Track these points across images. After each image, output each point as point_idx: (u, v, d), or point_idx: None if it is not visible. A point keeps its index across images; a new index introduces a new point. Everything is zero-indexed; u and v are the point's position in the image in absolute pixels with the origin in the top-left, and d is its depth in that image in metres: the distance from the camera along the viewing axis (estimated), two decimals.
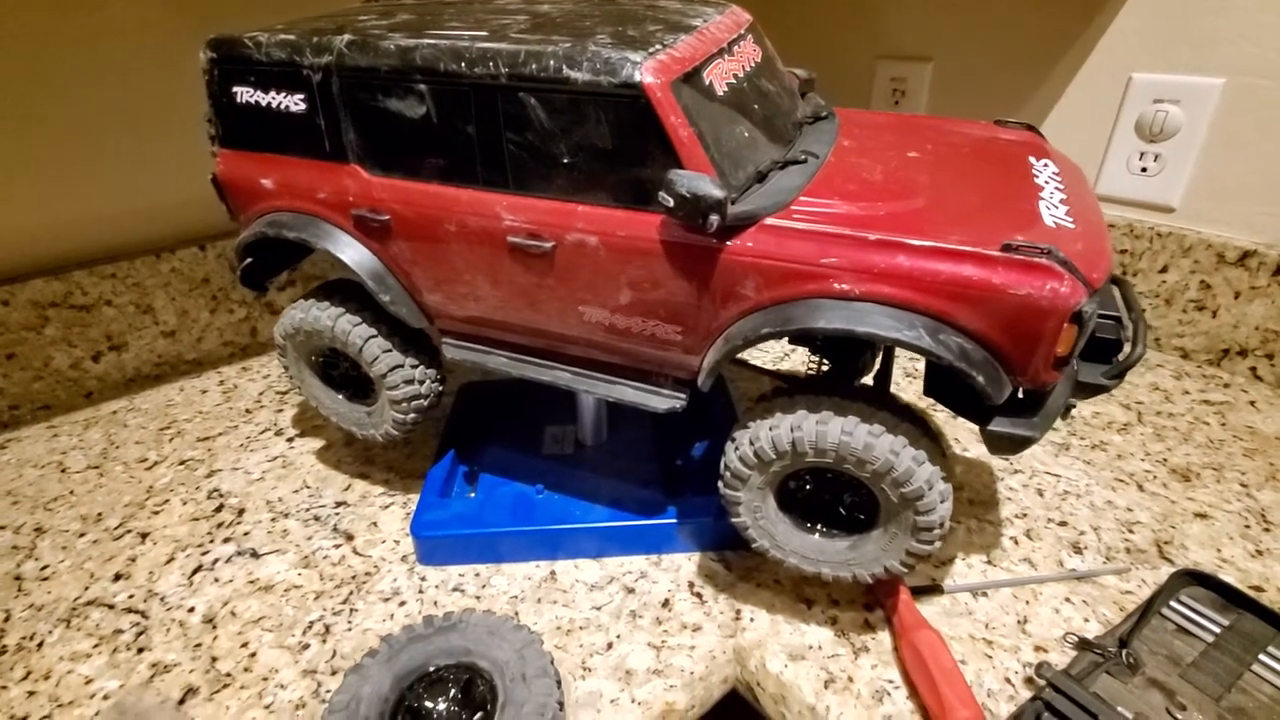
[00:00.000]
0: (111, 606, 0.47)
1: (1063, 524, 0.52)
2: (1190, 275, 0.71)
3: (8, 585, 0.49)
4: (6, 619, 0.46)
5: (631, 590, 0.46)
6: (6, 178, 0.61)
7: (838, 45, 0.93)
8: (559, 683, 0.37)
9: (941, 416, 0.63)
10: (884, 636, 0.43)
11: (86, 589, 0.48)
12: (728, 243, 0.33)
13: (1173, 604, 0.43)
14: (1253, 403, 0.65)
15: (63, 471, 0.60)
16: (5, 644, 0.44)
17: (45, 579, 0.49)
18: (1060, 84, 0.76)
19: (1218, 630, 0.41)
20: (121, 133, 0.65)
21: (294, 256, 0.51)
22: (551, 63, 0.32)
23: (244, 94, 0.40)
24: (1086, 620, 0.44)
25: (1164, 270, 0.72)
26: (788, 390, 0.37)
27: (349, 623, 0.44)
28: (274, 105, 0.40)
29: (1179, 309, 0.72)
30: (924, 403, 0.63)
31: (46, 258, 0.66)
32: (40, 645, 0.44)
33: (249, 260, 0.46)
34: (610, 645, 0.43)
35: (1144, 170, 0.72)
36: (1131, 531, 0.51)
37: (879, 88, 0.91)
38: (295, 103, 0.39)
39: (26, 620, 0.46)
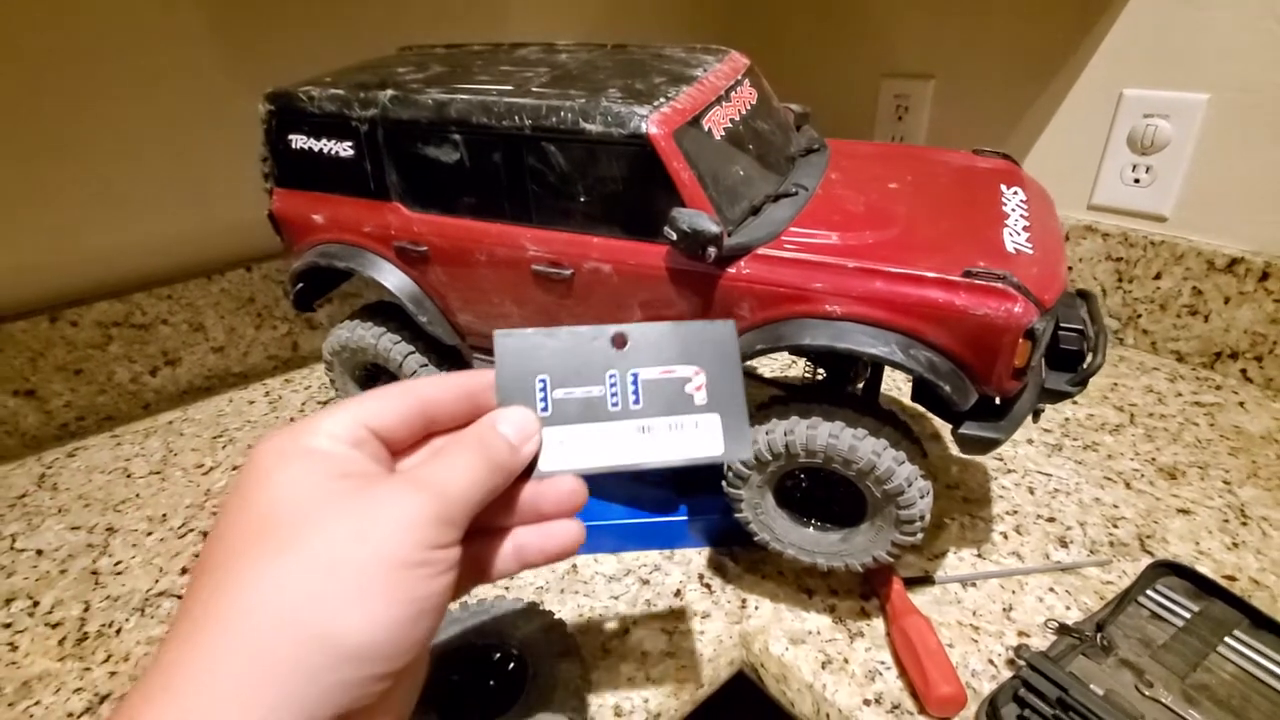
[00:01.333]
0: (180, 597, 0.52)
1: (1051, 520, 0.55)
2: (1183, 282, 0.73)
3: (86, 579, 0.54)
4: (87, 609, 0.51)
5: (646, 581, 0.51)
6: (74, 208, 0.67)
7: (843, 64, 0.97)
8: (582, 661, 0.41)
9: (940, 421, 0.67)
10: (878, 623, 0.47)
11: (156, 581, 0.53)
12: (725, 270, 0.37)
13: (1149, 592, 0.47)
14: (1241, 404, 0.68)
15: (128, 476, 0.65)
16: (86, 631, 0.50)
17: (119, 573, 0.55)
18: (1056, 99, 0.80)
19: (1188, 616, 0.45)
20: (175, 164, 0.71)
21: (337, 281, 0.56)
22: (569, 116, 0.37)
23: (298, 140, 0.46)
24: (1068, 608, 0.47)
25: (1158, 277, 0.75)
26: (783, 399, 0.41)
27: None
28: (325, 151, 0.45)
29: (1173, 314, 0.75)
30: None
31: (110, 281, 0.72)
32: (119, 631, 0.50)
33: (300, 286, 0.51)
34: (627, 630, 0.47)
35: (1137, 181, 0.75)
36: (1116, 526, 0.54)
37: (883, 105, 0.94)
38: (344, 149, 0.44)
39: (105, 610, 0.51)
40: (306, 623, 0.19)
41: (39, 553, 0.57)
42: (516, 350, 0.26)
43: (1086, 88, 0.77)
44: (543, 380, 0.26)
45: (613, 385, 0.26)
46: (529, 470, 0.26)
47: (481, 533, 0.25)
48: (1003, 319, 0.33)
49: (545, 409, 0.26)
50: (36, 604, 0.52)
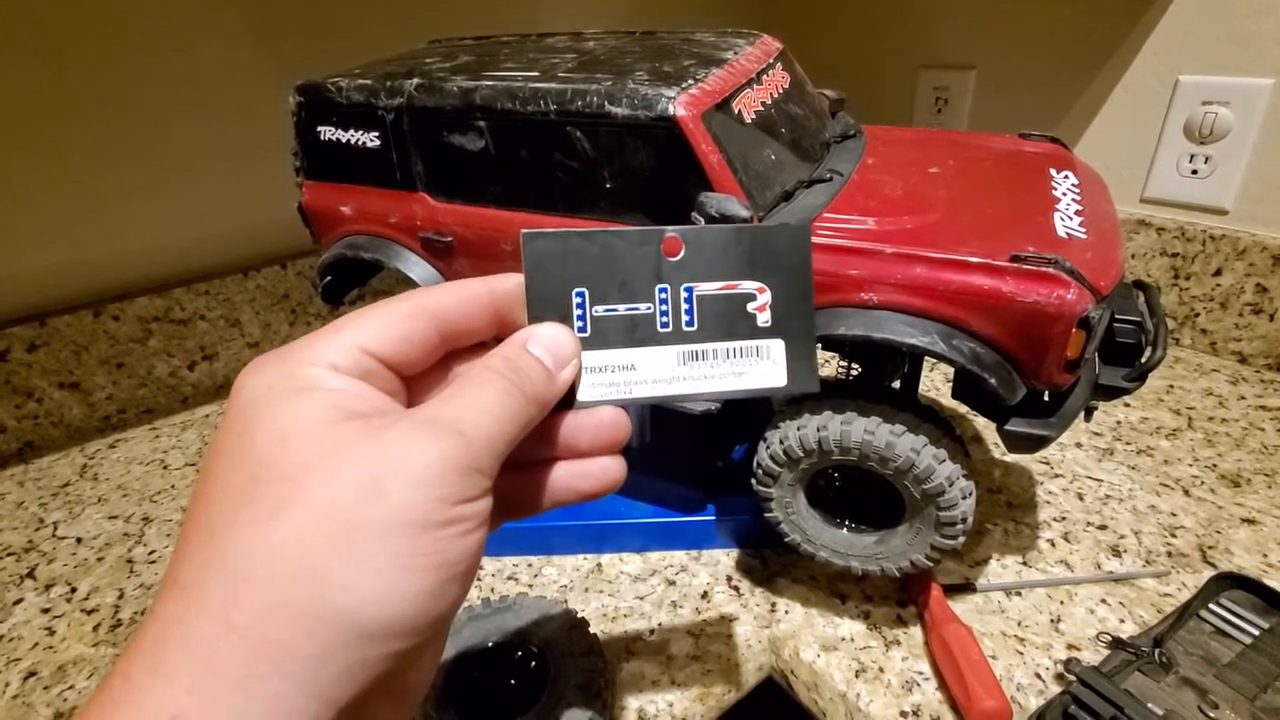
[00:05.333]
0: None
1: (1102, 527, 0.52)
2: (1245, 278, 0.69)
3: (121, 567, 0.55)
4: (121, 596, 0.52)
5: (673, 582, 0.49)
6: (117, 206, 0.69)
7: (880, 56, 0.95)
8: (604, 661, 0.40)
9: (984, 421, 0.64)
10: (916, 631, 0.44)
11: None
12: None
13: (1211, 606, 0.43)
14: None
15: (164, 468, 0.67)
16: (120, 618, 0.50)
17: (153, 562, 0.55)
18: (1106, 88, 0.76)
19: (1256, 632, 0.41)
20: (214, 164, 0.73)
21: (367, 274, 0.56)
22: (595, 100, 0.36)
23: (326, 132, 0.46)
24: (1122, 621, 0.45)
25: (1218, 273, 0.71)
26: (815, 393, 0.39)
27: None
28: (352, 141, 0.45)
29: (1235, 312, 0.71)
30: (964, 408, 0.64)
31: (151, 277, 0.73)
32: None
33: (329, 279, 0.51)
34: (652, 632, 0.46)
35: (1194, 172, 0.71)
36: (1174, 536, 0.51)
37: (921, 97, 0.92)
38: (371, 139, 0.44)
39: (138, 598, 0.52)
40: (314, 600, 0.16)
41: (78, 540, 0.58)
42: (549, 256, 0.22)
43: (1139, 75, 0.73)
44: (580, 294, 0.22)
45: (663, 302, 0.23)
46: (566, 400, 0.22)
47: (507, 467, 0.22)
48: (1054, 306, 0.31)
49: (583, 329, 0.23)
50: (74, 590, 0.53)
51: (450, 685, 0.39)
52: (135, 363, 0.73)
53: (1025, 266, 0.31)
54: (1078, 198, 0.38)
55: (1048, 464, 0.59)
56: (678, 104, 0.34)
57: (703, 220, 0.34)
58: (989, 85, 0.85)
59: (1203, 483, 0.56)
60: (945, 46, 0.88)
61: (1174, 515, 0.53)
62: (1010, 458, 0.59)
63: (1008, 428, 0.35)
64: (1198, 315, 0.73)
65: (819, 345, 0.32)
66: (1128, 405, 0.66)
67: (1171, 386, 0.69)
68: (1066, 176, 0.40)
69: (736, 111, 0.37)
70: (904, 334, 0.33)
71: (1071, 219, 0.35)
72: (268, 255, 0.79)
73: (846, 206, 0.37)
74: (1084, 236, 0.34)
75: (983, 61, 0.85)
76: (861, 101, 0.97)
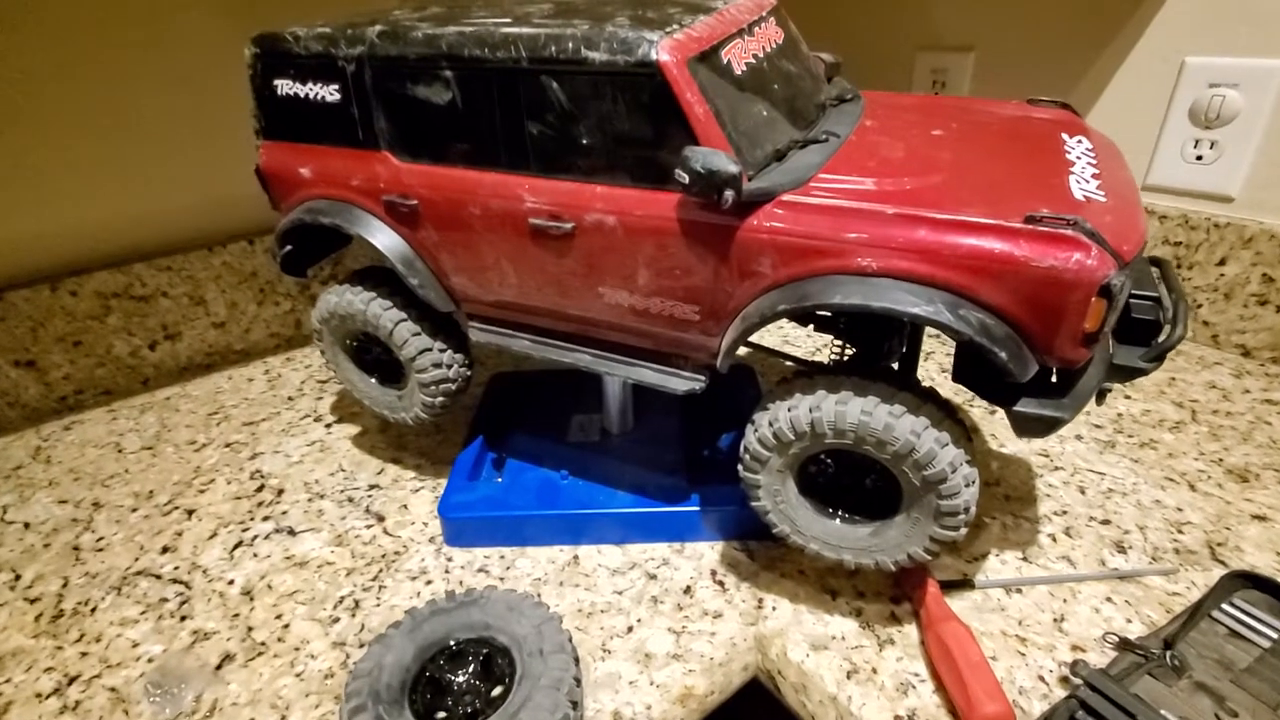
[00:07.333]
0: (159, 577, 0.49)
1: (1105, 522, 0.49)
2: (1252, 268, 0.67)
3: (67, 554, 0.52)
4: (65, 585, 0.49)
5: (653, 576, 0.46)
6: (76, 177, 0.65)
7: (877, 37, 0.92)
8: (577, 659, 0.37)
9: (979, 411, 0.61)
10: (911, 629, 0.42)
11: (137, 560, 0.51)
12: (745, 219, 0.33)
13: (1225, 607, 0.41)
14: None
15: (119, 451, 0.63)
16: (62, 608, 0.47)
17: (100, 550, 0.52)
18: (1108, 70, 0.73)
19: (1275, 635, 0.39)
20: (178, 135, 0.69)
21: (333, 244, 0.53)
22: (570, 45, 0.33)
23: (284, 86, 0.42)
24: (1129, 621, 0.42)
25: (1222, 263, 0.68)
26: (808, 373, 0.36)
27: (378, 599, 0.46)
28: (311, 96, 0.41)
29: (1239, 304, 0.69)
30: (963, 397, 0.62)
31: (111, 251, 0.70)
32: (94, 610, 0.47)
33: (289, 247, 0.48)
34: (630, 629, 0.43)
35: (1199, 158, 0.69)
36: (1181, 532, 0.48)
37: (919, 79, 0.89)
38: (331, 93, 0.40)
39: (82, 587, 0.49)
40: None
41: (26, 525, 0.55)
42: None
43: (1143, 57, 0.70)
44: None
45: None
46: None
47: None
48: (1073, 272, 0.28)
49: None
50: (18, 577, 0.50)
51: (407, 685, 0.36)
52: (93, 341, 0.69)
53: (1040, 228, 0.28)
54: (1093, 161, 0.35)
55: (1047, 456, 0.56)
56: (660, 48, 0.31)
57: (687, 176, 0.31)
58: (988, 67, 0.83)
59: (1209, 477, 0.53)
60: (943, 27, 0.85)
61: (1180, 510, 0.50)
62: (1008, 449, 0.57)
63: (1017, 409, 0.32)
64: (1200, 306, 0.71)
65: (811, 325, 0.28)
66: (1128, 397, 0.64)
67: (1173, 379, 0.66)
68: (1080, 141, 0.37)
69: (725, 61, 0.34)
70: (906, 303, 0.30)
71: (1088, 181, 0.33)
72: (235, 231, 0.75)
73: (844, 167, 0.34)
74: (1103, 200, 0.31)
75: (982, 43, 0.82)
76: (857, 84, 0.94)
